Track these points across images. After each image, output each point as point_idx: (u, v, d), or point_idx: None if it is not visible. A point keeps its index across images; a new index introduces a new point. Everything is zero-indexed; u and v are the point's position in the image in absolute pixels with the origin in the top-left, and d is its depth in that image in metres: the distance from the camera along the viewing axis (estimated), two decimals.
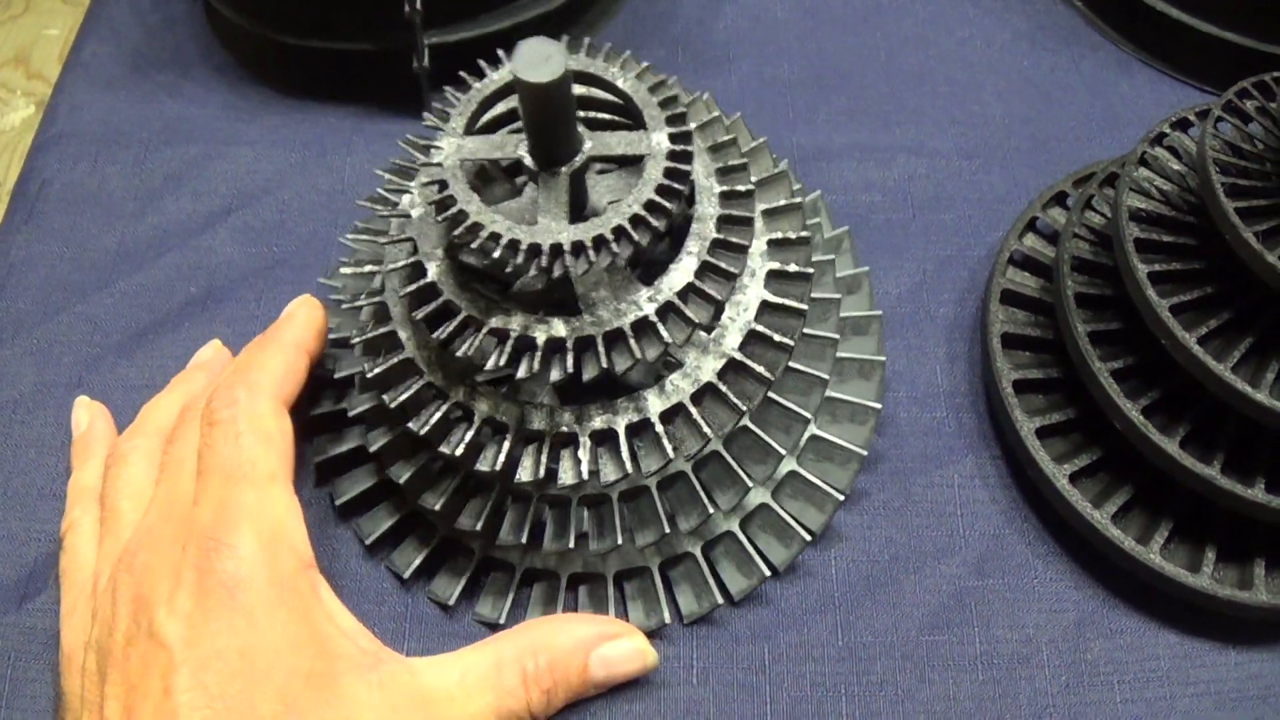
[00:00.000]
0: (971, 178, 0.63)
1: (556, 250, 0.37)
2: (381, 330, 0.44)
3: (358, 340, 0.45)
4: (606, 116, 0.45)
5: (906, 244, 0.60)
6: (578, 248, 0.37)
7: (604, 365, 0.39)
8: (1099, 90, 0.68)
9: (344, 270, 0.49)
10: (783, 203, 0.46)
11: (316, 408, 0.51)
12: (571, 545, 0.45)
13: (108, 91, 0.66)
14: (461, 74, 0.43)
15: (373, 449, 0.47)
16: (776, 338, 0.43)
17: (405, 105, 0.64)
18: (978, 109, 0.66)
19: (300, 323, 0.49)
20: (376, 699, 0.40)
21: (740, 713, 0.47)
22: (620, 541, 0.45)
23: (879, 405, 0.51)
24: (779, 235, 0.45)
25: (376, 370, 0.44)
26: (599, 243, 0.37)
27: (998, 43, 0.70)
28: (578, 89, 0.42)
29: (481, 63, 0.43)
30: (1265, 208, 0.47)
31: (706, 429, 0.42)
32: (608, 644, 0.44)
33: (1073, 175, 0.60)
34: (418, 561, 0.49)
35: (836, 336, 0.49)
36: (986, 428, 0.54)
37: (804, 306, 0.44)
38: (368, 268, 0.48)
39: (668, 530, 0.45)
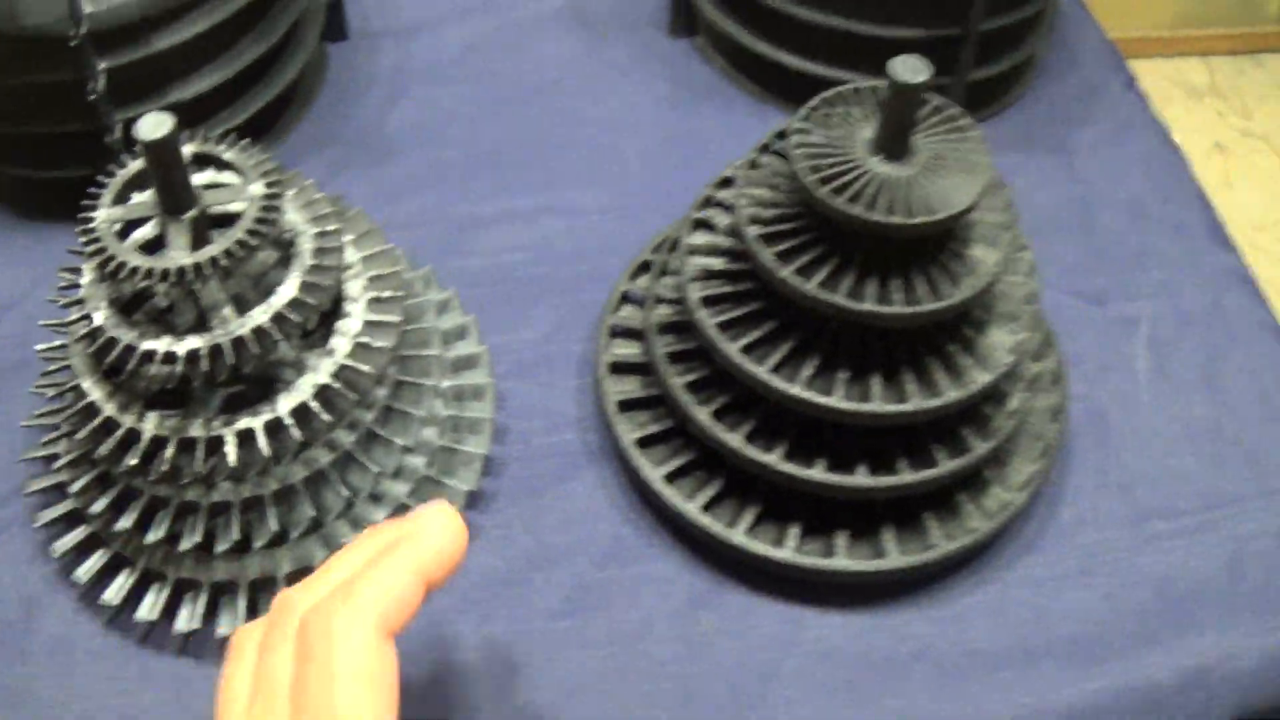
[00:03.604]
0: (606, 230, 0.72)
1: (182, 271, 0.48)
2: (70, 384, 0.54)
3: (54, 392, 0.55)
4: None
5: (545, 293, 0.69)
6: (198, 267, 0.48)
7: (230, 364, 0.50)
8: (740, 138, 0.75)
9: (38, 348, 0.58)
10: (378, 249, 0.58)
11: None
12: (235, 539, 0.53)
13: None
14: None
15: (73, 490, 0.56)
16: (376, 343, 0.54)
17: None
18: (617, 169, 0.76)
19: (432, 548, 0.43)
20: None
21: None
22: (275, 528, 0.54)
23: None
24: (375, 273, 0.57)
25: (66, 414, 0.54)
26: (214, 261, 0.49)
27: (641, 106, 0.80)
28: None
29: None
30: (796, 246, 0.55)
31: (326, 416, 0.52)
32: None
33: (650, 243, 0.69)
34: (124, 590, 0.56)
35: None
36: (608, 444, 0.63)
37: (398, 319, 0.56)
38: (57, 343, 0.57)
39: (313, 513, 0.54)
